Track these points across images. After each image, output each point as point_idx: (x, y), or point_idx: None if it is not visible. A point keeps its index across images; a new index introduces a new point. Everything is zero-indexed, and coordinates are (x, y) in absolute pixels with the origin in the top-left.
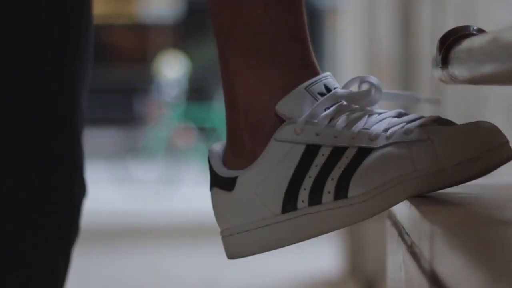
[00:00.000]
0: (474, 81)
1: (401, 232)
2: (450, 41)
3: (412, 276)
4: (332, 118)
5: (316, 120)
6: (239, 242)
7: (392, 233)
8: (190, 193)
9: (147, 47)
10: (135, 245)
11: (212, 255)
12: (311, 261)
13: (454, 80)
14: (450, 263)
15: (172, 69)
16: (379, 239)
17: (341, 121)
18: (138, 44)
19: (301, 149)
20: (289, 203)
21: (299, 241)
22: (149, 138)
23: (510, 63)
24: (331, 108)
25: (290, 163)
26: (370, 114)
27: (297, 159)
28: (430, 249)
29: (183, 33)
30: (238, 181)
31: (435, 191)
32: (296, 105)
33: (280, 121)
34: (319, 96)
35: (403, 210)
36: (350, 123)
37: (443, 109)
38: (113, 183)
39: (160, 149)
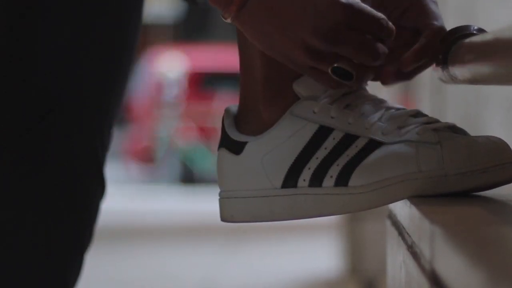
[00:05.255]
0: (474, 81)
1: (401, 232)
2: (450, 41)
3: (412, 275)
4: (349, 104)
5: (333, 104)
6: (235, 207)
7: (392, 233)
8: (190, 193)
9: (147, 46)
10: (134, 244)
11: (212, 255)
12: (311, 261)
13: (454, 80)
14: (450, 263)
15: (172, 68)
16: (379, 239)
17: (358, 109)
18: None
19: (313, 128)
20: (290, 179)
21: (291, 219)
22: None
23: (510, 62)
24: (350, 95)
25: (300, 140)
26: (388, 108)
27: (308, 137)
28: (430, 248)
29: (183, 33)
30: (247, 147)
31: (435, 194)
32: (314, 85)
33: (297, 97)
34: None
35: (403, 209)
36: (367, 113)
37: (444, 109)
38: (113, 182)
39: (160, 149)
